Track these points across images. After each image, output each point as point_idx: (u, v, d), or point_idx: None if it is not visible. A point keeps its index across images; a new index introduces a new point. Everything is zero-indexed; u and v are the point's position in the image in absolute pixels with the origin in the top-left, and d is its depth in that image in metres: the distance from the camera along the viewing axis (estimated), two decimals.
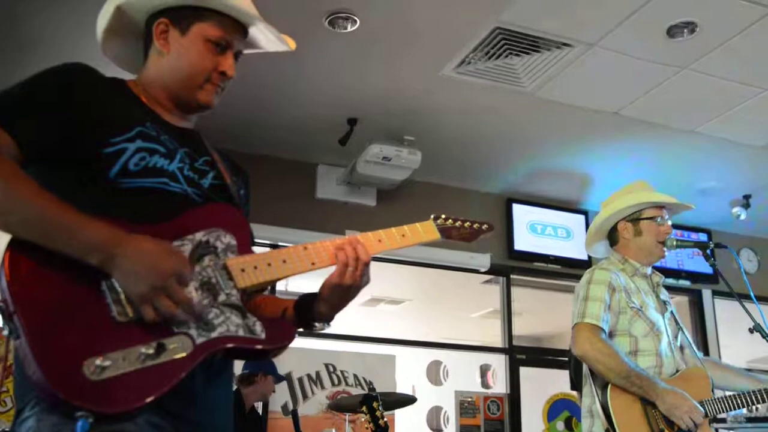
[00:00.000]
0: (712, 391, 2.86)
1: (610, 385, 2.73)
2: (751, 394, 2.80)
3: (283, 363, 5.33)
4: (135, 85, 1.62)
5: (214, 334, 1.36)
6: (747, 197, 6.37)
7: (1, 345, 4.72)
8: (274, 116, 5.12)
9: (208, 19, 1.59)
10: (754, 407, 2.89)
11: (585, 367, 2.92)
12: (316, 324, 1.61)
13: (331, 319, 1.62)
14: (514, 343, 6.29)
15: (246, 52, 1.71)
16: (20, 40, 4.12)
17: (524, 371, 6.20)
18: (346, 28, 4.06)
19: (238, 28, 1.63)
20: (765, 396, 2.78)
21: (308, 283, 1.73)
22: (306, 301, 1.61)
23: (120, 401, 1.24)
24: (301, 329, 1.62)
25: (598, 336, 2.78)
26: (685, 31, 4.06)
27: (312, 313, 1.59)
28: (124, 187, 1.43)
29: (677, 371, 2.87)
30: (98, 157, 1.43)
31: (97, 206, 1.35)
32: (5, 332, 1.25)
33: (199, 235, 1.44)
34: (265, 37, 1.72)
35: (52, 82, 1.46)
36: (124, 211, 1.38)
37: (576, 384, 3.35)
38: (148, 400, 1.26)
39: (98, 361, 1.22)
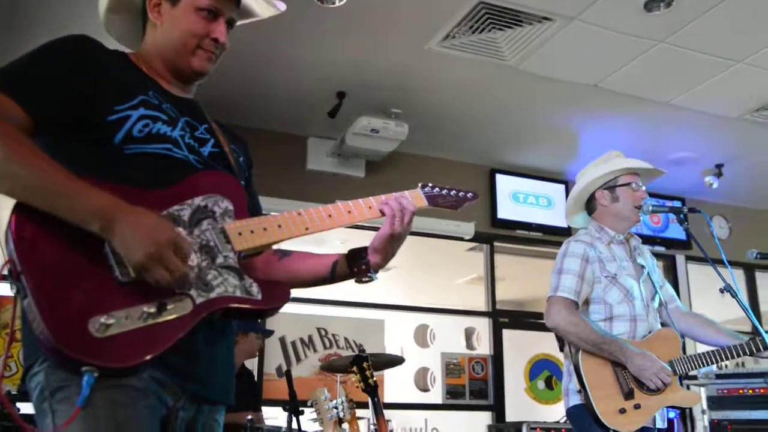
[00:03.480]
0: (683, 350, 2.93)
1: (581, 349, 2.81)
2: (719, 351, 2.85)
3: (277, 327, 5.36)
4: (136, 57, 1.62)
5: (212, 295, 1.38)
6: (719, 166, 6.41)
7: (6, 312, 4.73)
8: (265, 90, 5.09)
9: None
10: (723, 364, 2.93)
11: None
12: (370, 274, 1.64)
13: (382, 268, 1.66)
14: (498, 307, 6.35)
15: (242, 22, 1.70)
16: (20, 14, 4.07)
17: (507, 333, 6.27)
18: (334, 3, 4.02)
19: None
20: (732, 353, 2.82)
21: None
22: (356, 254, 1.65)
23: (123, 357, 1.25)
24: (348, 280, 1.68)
25: (569, 309, 2.84)
26: (662, 5, 4.05)
27: (365, 264, 1.63)
28: (128, 153, 1.43)
29: (650, 332, 2.92)
30: (103, 124, 1.43)
31: (102, 172, 1.35)
32: (13, 291, 1.26)
33: (198, 200, 1.44)
34: (258, 5, 1.71)
35: (58, 52, 1.45)
36: (127, 177, 1.38)
37: (560, 346, 3.44)
38: (149, 356, 1.27)
39: (102, 319, 1.23)
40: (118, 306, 1.27)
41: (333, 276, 1.67)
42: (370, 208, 1.63)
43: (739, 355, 2.84)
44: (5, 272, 1.26)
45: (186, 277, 1.34)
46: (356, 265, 1.64)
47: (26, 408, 1.51)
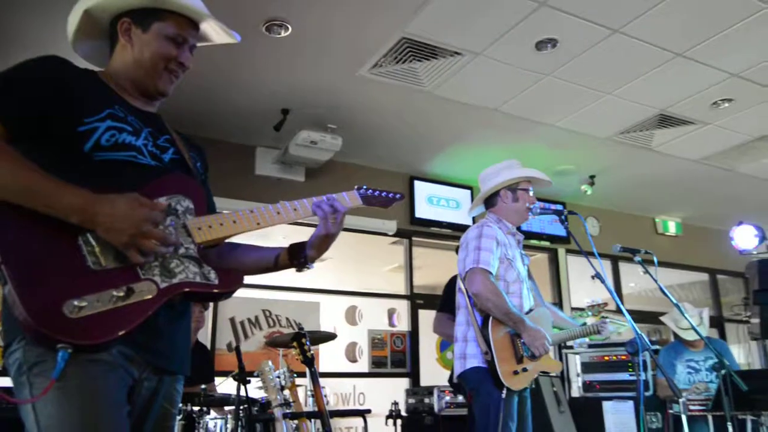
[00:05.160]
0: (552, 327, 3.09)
1: (491, 318, 2.81)
2: (572, 330, 3.20)
3: (227, 308, 5.28)
4: (104, 75, 1.55)
5: (175, 280, 1.35)
6: (592, 177, 6.63)
7: None
8: (221, 107, 4.99)
9: (166, 18, 1.53)
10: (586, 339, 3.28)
11: (461, 302, 2.99)
12: (308, 265, 1.63)
13: (317, 260, 1.65)
14: (415, 291, 6.42)
15: (199, 44, 1.66)
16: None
17: (422, 313, 6.34)
18: (280, 34, 3.99)
19: (191, 24, 1.58)
20: (581, 332, 3.22)
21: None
22: (296, 248, 1.63)
23: (95, 335, 1.21)
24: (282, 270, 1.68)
25: (489, 279, 2.82)
26: (549, 45, 4.19)
27: (304, 257, 1.62)
28: (97, 160, 1.38)
29: (531, 310, 2.99)
30: (73, 134, 1.37)
31: (74, 177, 1.30)
32: None
33: (162, 200, 1.41)
34: (215, 32, 1.67)
35: (32, 69, 1.38)
36: (98, 181, 1.33)
37: (443, 308, 3.69)
38: (120, 333, 1.24)
39: (75, 302, 1.20)
40: (90, 291, 1.23)
41: (276, 266, 1.66)
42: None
43: (586, 335, 3.20)
44: None
45: (168, 239, 1.32)
46: (296, 258, 1.63)
47: (4, 382, 1.43)
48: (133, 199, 1.31)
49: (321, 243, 1.61)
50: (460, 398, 4.77)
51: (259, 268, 1.67)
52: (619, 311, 2.80)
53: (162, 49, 1.53)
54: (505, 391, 2.70)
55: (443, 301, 3.96)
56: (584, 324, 3.30)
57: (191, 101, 4.76)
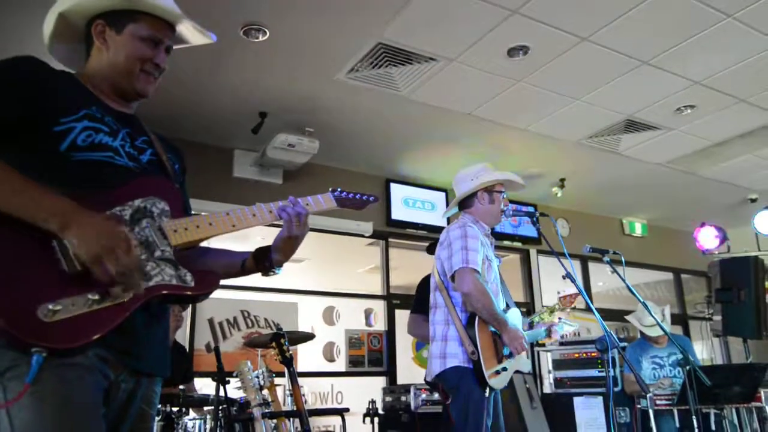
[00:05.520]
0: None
1: (477, 319, 2.78)
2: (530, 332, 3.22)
3: (206, 309, 5.21)
4: (81, 76, 1.52)
5: (151, 283, 1.32)
6: (562, 180, 6.71)
7: None
8: (199, 110, 4.94)
9: (140, 20, 1.50)
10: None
11: (439, 300, 2.96)
12: (274, 269, 1.60)
13: (283, 264, 1.62)
14: (391, 291, 6.41)
15: (176, 47, 1.63)
16: None
17: (398, 313, 6.33)
18: (258, 38, 3.96)
19: (166, 25, 1.55)
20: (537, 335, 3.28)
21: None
22: (262, 252, 1.61)
23: (70, 338, 1.18)
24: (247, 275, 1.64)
25: (478, 279, 2.77)
26: (521, 52, 4.23)
27: (269, 261, 1.59)
28: (74, 160, 1.35)
29: (504, 310, 2.97)
30: (49, 134, 1.34)
31: (50, 177, 1.27)
32: None
33: (138, 202, 1.38)
34: (191, 33, 1.64)
35: (8, 71, 1.35)
36: (74, 181, 1.30)
37: (416, 309, 3.64)
38: (95, 337, 1.21)
39: (50, 306, 1.17)
40: (65, 294, 1.20)
41: (243, 271, 1.63)
42: None
43: (540, 336, 3.28)
44: None
45: (135, 265, 1.27)
46: (261, 263, 1.61)
47: None
48: (111, 221, 1.28)
49: (285, 246, 1.59)
50: (436, 396, 4.77)
51: (228, 274, 1.63)
52: (588, 309, 2.84)
53: (136, 50, 1.50)
54: (488, 390, 2.69)
55: (417, 303, 3.95)
56: (532, 322, 3.36)
57: (169, 103, 4.70)
